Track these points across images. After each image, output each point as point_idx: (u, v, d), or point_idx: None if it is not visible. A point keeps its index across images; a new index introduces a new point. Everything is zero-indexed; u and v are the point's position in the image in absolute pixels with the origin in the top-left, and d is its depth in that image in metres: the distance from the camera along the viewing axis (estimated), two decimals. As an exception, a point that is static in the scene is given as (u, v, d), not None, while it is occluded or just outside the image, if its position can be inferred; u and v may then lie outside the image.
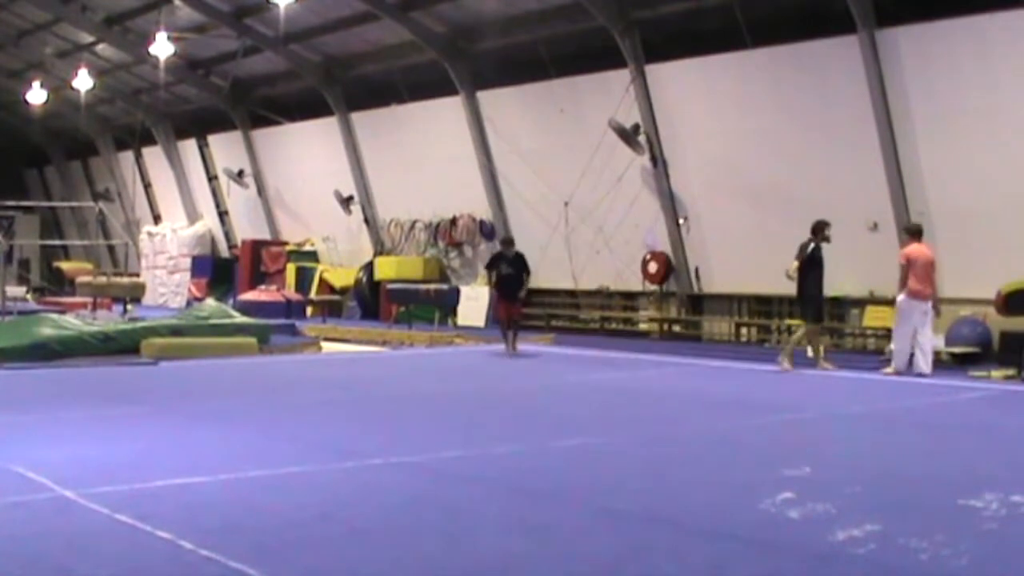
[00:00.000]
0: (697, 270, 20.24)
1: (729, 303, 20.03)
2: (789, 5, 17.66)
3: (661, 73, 19.80)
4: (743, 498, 5.96)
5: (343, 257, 28.22)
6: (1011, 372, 13.72)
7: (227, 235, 33.21)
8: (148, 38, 25.52)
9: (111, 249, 36.12)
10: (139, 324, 16.75)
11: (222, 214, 33.19)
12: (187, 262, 32.87)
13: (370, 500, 5.91)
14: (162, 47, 24.94)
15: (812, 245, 13.65)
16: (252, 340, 16.44)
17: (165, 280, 33.73)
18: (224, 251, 33.26)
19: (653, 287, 20.75)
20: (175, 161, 33.90)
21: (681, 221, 20.15)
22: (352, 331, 22.47)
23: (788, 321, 18.58)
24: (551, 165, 21.90)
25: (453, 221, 24.61)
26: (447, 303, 23.21)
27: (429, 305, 23.53)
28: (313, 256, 29.11)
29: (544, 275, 21.43)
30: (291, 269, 28.55)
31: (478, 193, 23.61)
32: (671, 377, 13.46)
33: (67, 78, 30.54)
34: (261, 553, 4.75)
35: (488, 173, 23.40)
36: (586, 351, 16.58)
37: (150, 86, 31.15)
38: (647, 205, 20.46)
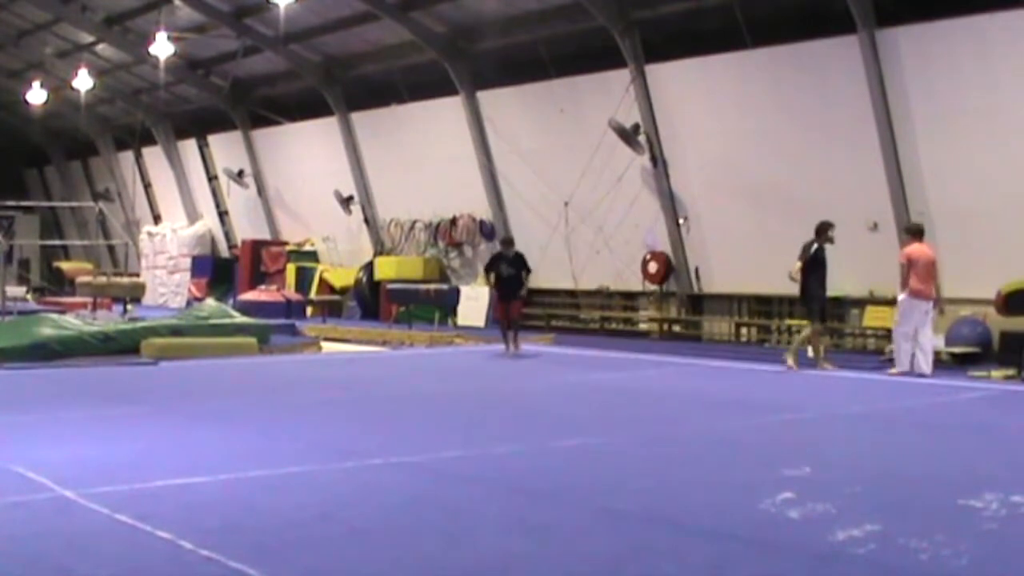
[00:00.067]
0: (697, 270, 20.24)
1: (729, 303, 20.04)
2: (789, 5, 17.66)
3: (661, 73, 19.80)
4: (743, 498, 5.96)
5: (343, 257, 28.22)
6: (1011, 372, 13.71)
7: (227, 235, 33.22)
8: (148, 38, 25.53)
9: (111, 249, 36.13)
10: (139, 324, 16.75)
11: (222, 214, 33.20)
12: (187, 262, 32.87)
13: (370, 500, 5.91)
14: (162, 47, 24.94)
15: (815, 246, 13.65)
16: (252, 340, 16.44)
17: (165, 280, 33.73)
18: (224, 251, 33.26)
19: (653, 287, 20.76)
20: (175, 161, 33.91)
21: (681, 221, 20.16)
22: (352, 331, 22.46)
23: (788, 321, 18.60)
24: (551, 165, 21.90)
25: (453, 221, 24.62)
26: (447, 303, 23.21)
27: (429, 305, 23.53)
28: (313, 256, 29.12)
29: (544, 275, 21.43)
30: (291, 269, 28.55)
31: (478, 193, 23.61)
32: (671, 377, 13.45)
33: (67, 78, 30.56)
34: (261, 553, 4.75)
35: (488, 173, 23.41)
36: (586, 351, 16.57)
37: (150, 86, 31.16)
38: (647, 205, 20.47)
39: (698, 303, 20.55)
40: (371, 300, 25.70)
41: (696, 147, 19.65)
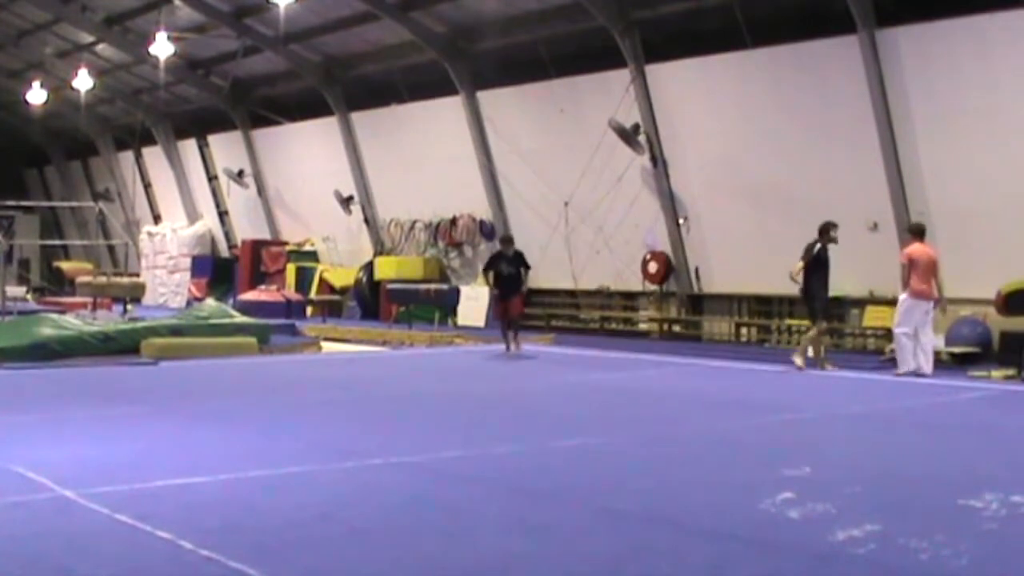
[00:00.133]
0: (697, 270, 20.24)
1: (729, 303, 20.03)
2: (789, 5, 17.66)
3: (661, 73, 19.80)
4: (743, 498, 5.96)
5: (343, 257, 28.22)
6: (1011, 372, 13.72)
7: (227, 235, 33.22)
8: (148, 38, 25.52)
9: (111, 249, 36.13)
10: (139, 324, 16.74)
11: (222, 214, 33.20)
12: (187, 262, 32.88)
13: (370, 500, 5.91)
14: (162, 47, 24.94)
15: (818, 246, 13.65)
16: (252, 340, 16.43)
17: (165, 280, 33.73)
18: (224, 251, 33.26)
19: (653, 287, 20.76)
20: (175, 161, 33.91)
21: (681, 221, 20.16)
22: (352, 331, 22.46)
23: (788, 321, 18.60)
24: (551, 165, 21.90)
25: (453, 221, 24.62)
26: (447, 303, 23.21)
27: (429, 305, 23.54)
28: (313, 256, 29.12)
29: (544, 275, 21.43)
30: (291, 269, 28.56)
31: (478, 193, 23.61)
32: (671, 377, 13.45)
33: (67, 78, 30.55)
34: (261, 553, 4.75)
35: (488, 173, 23.41)
36: (586, 351, 16.57)
37: (150, 86, 31.16)
38: (647, 205, 20.47)
39: (698, 303, 20.55)
40: (371, 300, 25.70)
41: (696, 147, 19.65)
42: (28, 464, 6.53)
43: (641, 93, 19.87)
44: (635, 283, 21.02)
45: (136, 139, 34.96)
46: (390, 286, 24.23)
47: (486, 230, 23.86)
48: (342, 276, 27.38)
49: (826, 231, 13.73)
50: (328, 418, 9.23)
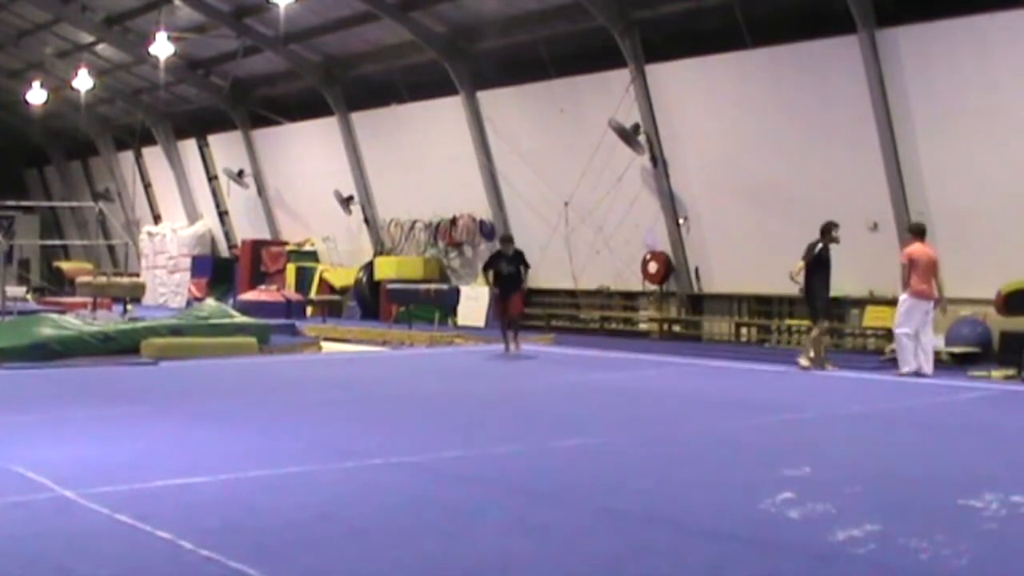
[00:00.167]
0: (697, 270, 20.24)
1: (729, 303, 20.03)
2: (789, 5, 17.66)
3: (661, 73, 19.80)
4: (743, 498, 5.96)
5: (343, 257, 28.22)
6: (1011, 372, 13.71)
7: (227, 235, 33.22)
8: (148, 38, 25.52)
9: (111, 249, 36.13)
10: (139, 324, 16.74)
11: (222, 214, 33.20)
12: (187, 262, 32.88)
13: (370, 500, 5.91)
14: (162, 47, 24.94)
15: (820, 246, 13.65)
16: (252, 340, 16.43)
17: (165, 280, 33.73)
18: (224, 251, 33.26)
19: (653, 287, 20.75)
20: (175, 161, 33.91)
21: (681, 221, 20.16)
22: (352, 331, 22.46)
23: (788, 321, 18.60)
24: (551, 165, 21.90)
25: (453, 221, 24.62)
26: (447, 303, 23.21)
27: (429, 305, 23.54)
28: (313, 256, 29.12)
29: (544, 275, 21.44)
30: (291, 269, 28.56)
31: (478, 193, 23.61)
32: (671, 377, 13.46)
33: (67, 78, 30.55)
34: (261, 553, 4.75)
35: (488, 173, 23.41)
36: (586, 351, 16.57)
37: (150, 86, 31.16)
38: (647, 205, 20.47)
39: (698, 303, 20.55)
40: (371, 300, 25.70)
41: (696, 147, 19.65)
42: (28, 464, 6.53)
43: (641, 93, 19.87)
44: (635, 283, 21.02)
45: (136, 139, 34.97)
46: (390, 286, 24.23)
47: (486, 230, 23.86)
48: (342, 276, 27.38)
49: (828, 231, 13.74)
50: (328, 418, 9.24)
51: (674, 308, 20.80)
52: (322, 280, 27.61)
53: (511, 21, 21.39)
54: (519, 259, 16.07)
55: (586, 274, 21.71)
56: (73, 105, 33.34)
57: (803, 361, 13.67)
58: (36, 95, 32.02)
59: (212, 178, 32.92)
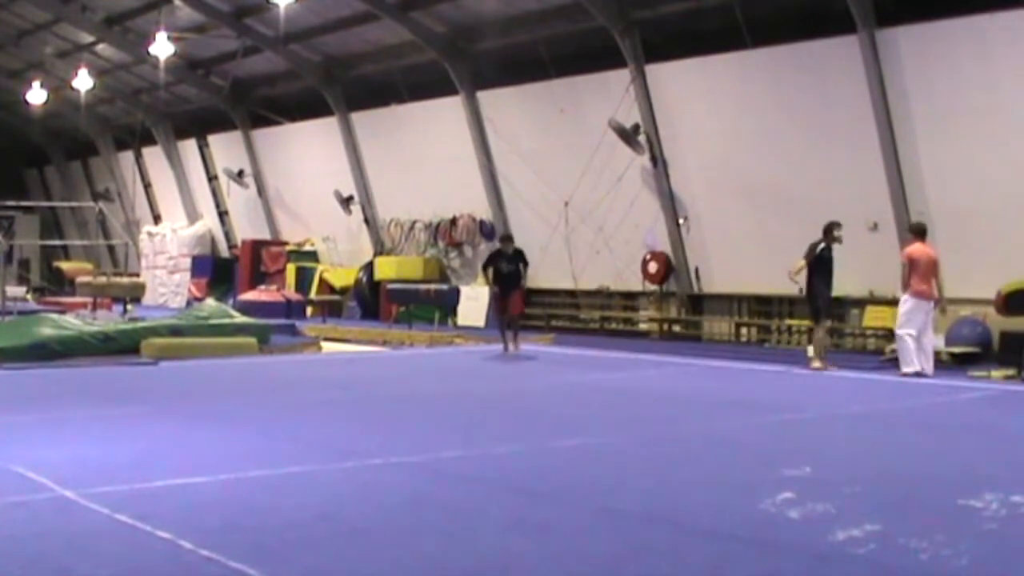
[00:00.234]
0: (697, 270, 20.24)
1: (729, 303, 20.04)
2: (789, 5, 17.67)
3: (661, 73, 19.80)
4: (743, 498, 5.96)
5: (343, 257, 28.23)
6: (1011, 372, 13.71)
7: (227, 235, 33.22)
8: (148, 38, 25.53)
9: (111, 249, 36.14)
10: (139, 324, 16.74)
11: (222, 214, 33.21)
12: (187, 262, 32.88)
13: (370, 500, 5.91)
14: (162, 47, 24.95)
15: (822, 245, 13.65)
16: (252, 340, 16.43)
17: (165, 280, 33.74)
18: (224, 251, 33.27)
19: (653, 287, 20.76)
20: (175, 161, 33.92)
21: (681, 221, 20.16)
22: (352, 331, 22.46)
23: (788, 321, 18.61)
24: (551, 165, 21.91)
25: (453, 221, 24.62)
26: (447, 303, 23.22)
27: (429, 305, 23.54)
28: (313, 256, 29.13)
29: (544, 275, 21.44)
30: (291, 269, 28.56)
31: (478, 193, 23.61)
32: (671, 377, 13.45)
33: (67, 78, 30.56)
34: (261, 553, 4.75)
35: (488, 173, 23.41)
36: (586, 351, 16.56)
37: (150, 86, 31.17)
38: (647, 205, 20.47)
39: (698, 303, 20.55)
40: (371, 300, 25.71)
41: (696, 147, 19.65)
42: (28, 464, 6.53)
43: (641, 93, 19.87)
44: (635, 283, 21.03)
45: (136, 139, 34.97)
46: (390, 286, 24.24)
47: (486, 230, 23.86)
48: (342, 276, 27.38)
49: (830, 231, 13.74)
50: (328, 418, 9.23)
51: (674, 308, 20.80)
52: (322, 280, 27.61)
53: (511, 21, 21.40)
54: (519, 258, 16.05)
55: (586, 274, 21.71)
56: (73, 105, 33.35)
57: (816, 363, 13.65)
58: (36, 95, 32.03)
59: (212, 178, 32.93)
